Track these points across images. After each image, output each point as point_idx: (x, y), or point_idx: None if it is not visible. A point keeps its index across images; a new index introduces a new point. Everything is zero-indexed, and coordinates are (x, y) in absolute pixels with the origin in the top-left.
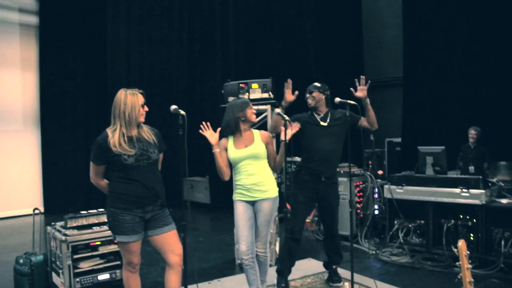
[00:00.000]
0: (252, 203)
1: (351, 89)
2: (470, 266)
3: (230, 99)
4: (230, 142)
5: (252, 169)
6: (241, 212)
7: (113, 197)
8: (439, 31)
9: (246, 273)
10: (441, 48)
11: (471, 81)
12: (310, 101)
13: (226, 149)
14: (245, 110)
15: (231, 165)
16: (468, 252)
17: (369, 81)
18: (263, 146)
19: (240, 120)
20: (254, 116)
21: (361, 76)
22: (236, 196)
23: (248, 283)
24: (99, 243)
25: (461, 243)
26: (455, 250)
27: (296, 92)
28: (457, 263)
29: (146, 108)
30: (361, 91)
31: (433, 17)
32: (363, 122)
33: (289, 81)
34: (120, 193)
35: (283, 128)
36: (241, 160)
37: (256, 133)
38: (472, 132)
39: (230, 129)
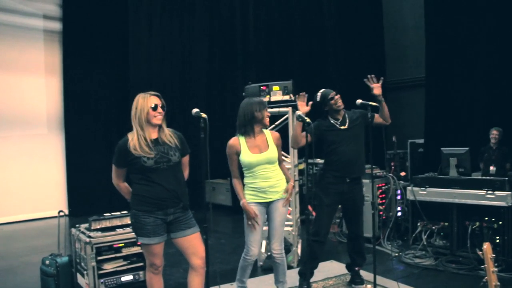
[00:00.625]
0: (267, 205)
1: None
2: (496, 269)
3: None
4: (243, 144)
5: (268, 173)
6: (257, 215)
7: (135, 199)
8: (461, 31)
9: (246, 268)
10: (464, 49)
11: (494, 82)
12: (340, 103)
13: (237, 154)
14: (263, 110)
15: (240, 167)
16: (494, 255)
17: (382, 78)
18: (276, 150)
19: (257, 120)
20: (268, 119)
21: (371, 75)
22: (250, 198)
23: (245, 276)
24: (122, 244)
25: (486, 245)
26: (480, 252)
27: (310, 102)
28: (482, 266)
29: (159, 110)
30: (377, 89)
31: (455, 18)
32: (377, 119)
33: (302, 94)
34: (141, 195)
35: (304, 141)
36: (257, 165)
37: (268, 134)
38: (494, 133)
39: (245, 129)
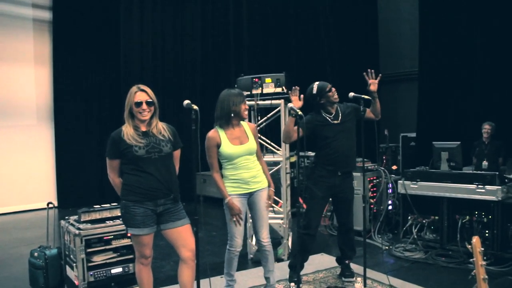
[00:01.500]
0: (248, 195)
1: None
2: (484, 262)
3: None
4: (222, 136)
5: (249, 164)
6: (239, 207)
7: (125, 189)
8: (455, 25)
9: (232, 261)
10: (457, 42)
11: (487, 76)
12: (336, 96)
13: (218, 146)
14: (240, 105)
15: (219, 159)
16: (483, 249)
17: (380, 75)
18: (255, 141)
19: (235, 114)
20: (246, 113)
21: (371, 70)
22: (232, 190)
23: (232, 269)
24: (111, 237)
25: (475, 239)
26: (469, 246)
27: (302, 96)
28: (471, 260)
29: (144, 107)
30: (373, 85)
31: (449, 11)
32: (368, 114)
33: (296, 88)
34: (132, 185)
35: (295, 136)
36: (238, 157)
37: (246, 126)
38: (486, 127)
39: (223, 121)
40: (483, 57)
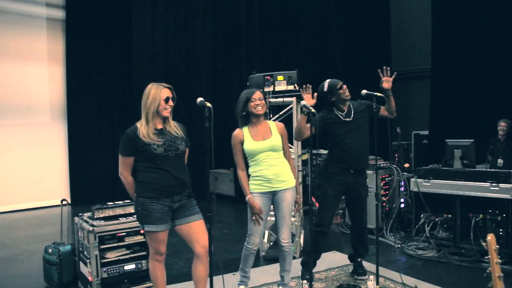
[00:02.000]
0: (273, 194)
1: (382, 74)
2: (500, 260)
3: None
4: (246, 133)
5: (272, 161)
6: (260, 206)
7: (142, 187)
8: (468, 22)
9: (248, 258)
10: (470, 39)
11: (500, 73)
12: (347, 93)
13: (241, 143)
14: (248, 103)
15: (245, 156)
16: (498, 246)
17: (395, 73)
18: (280, 138)
19: (245, 113)
20: (259, 108)
21: (386, 67)
22: (254, 189)
23: (247, 266)
24: (124, 233)
25: (490, 236)
26: (484, 244)
27: (315, 94)
28: (485, 258)
29: (171, 103)
30: (386, 82)
31: (462, 8)
32: (383, 112)
33: (308, 86)
34: (149, 182)
35: (308, 133)
36: (260, 152)
37: (272, 124)
38: (502, 124)
39: (241, 121)
40: (496, 54)
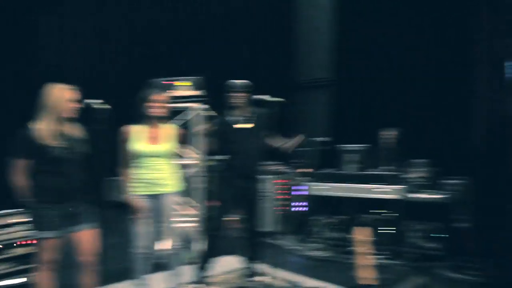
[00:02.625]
0: (155, 198)
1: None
2: (367, 251)
3: None
4: (137, 133)
5: (158, 165)
6: (144, 208)
7: (36, 190)
8: (368, 34)
9: (139, 264)
10: (371, 51)
11: (397, 84)
12: (238, 100)
13: (128, 141)
14: (143, 106)
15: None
16: (369, 238)
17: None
18: (172, 144)
19: (141, 114)
20: (157, 110)
21: (301, 135)
22: (137, 190)
23: (139, 272)
24: (1, 246)
25: (356, 229)
26: (352, 236)
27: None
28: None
29: (75, 104)
30: (290, 146)
31: (365, 19)
32: (271, 141)
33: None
34: (43, 186)
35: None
36: (148, 156)
37: (168, 128)
38: (385, 133)
39: (138, 121)
40: (395, 66)
